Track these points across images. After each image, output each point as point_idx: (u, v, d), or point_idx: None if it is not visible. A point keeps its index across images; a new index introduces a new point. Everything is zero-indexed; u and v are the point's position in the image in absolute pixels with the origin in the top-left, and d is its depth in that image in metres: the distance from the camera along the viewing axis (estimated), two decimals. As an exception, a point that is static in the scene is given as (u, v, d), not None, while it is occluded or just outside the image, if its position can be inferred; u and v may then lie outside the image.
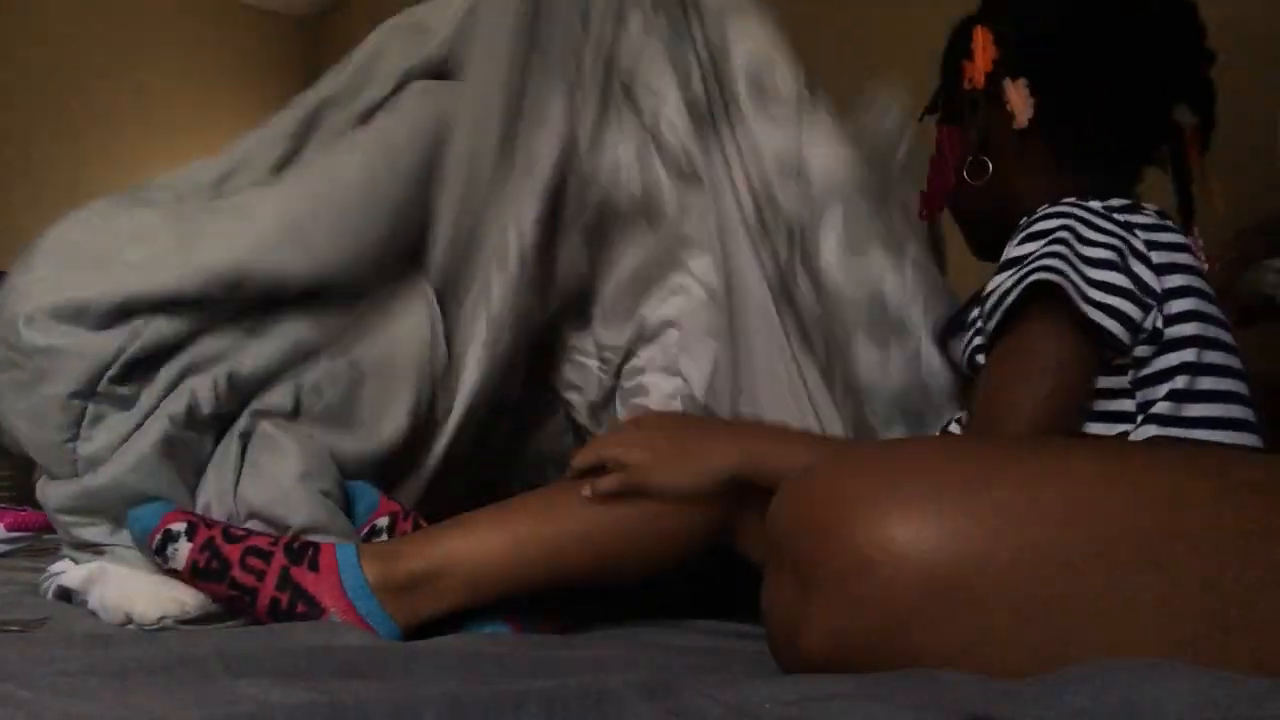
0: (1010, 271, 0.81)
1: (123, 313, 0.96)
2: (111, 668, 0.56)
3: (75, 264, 0.98)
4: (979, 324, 0.87)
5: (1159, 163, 0.97)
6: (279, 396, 1.01)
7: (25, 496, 1.85)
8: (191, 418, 0.96)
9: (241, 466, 0.98)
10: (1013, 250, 0.84)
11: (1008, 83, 0.94)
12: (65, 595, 0.98)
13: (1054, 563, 0.53)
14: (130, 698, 0.46)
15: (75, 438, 0.94)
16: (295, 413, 1.02)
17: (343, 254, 1.01)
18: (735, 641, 0.85)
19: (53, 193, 3.59)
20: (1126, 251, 0.82)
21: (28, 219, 3.39)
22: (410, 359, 1.05)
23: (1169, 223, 0.87)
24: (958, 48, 1.01)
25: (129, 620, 0.85)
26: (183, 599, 0.86)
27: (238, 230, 0.99)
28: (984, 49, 0.96)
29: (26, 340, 0.94)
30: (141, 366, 0.97)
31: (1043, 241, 0.81)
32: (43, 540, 1.43)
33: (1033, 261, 0.79)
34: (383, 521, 0.97)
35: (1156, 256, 0.82)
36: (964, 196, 1.01)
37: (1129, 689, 0.42)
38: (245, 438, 0.99)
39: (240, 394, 1.00)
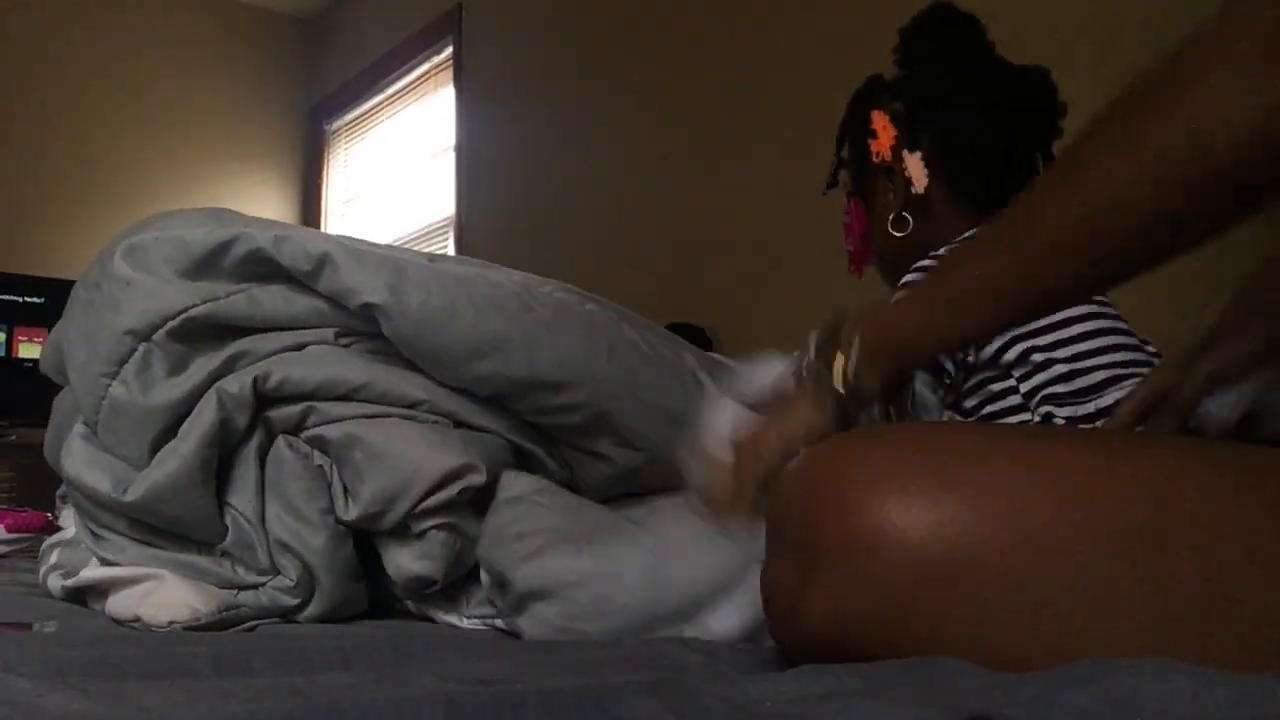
0: None
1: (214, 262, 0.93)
2: (110, 667, 0.56)
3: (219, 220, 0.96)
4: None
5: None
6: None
7: (25, 498, 1.85)
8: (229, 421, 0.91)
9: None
10: None
11: (906, 155, 1.16)
12: (74, 595, 0.98)
13: (1051, 549, 0.54)
14: (128, 697, 0.46)
15: (114, 375, 0.92)
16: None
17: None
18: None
19: (55, 194, 3.59)
20: None
21: (30, 222, 3.41)
22: None
23: None
24: (858, 128, 1.22)
25: (136, 619, 0.85)
26: (195, 605, 0.86)
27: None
28: (884, 129, 1.17)
29: (115, 269, 0.94)
30: (205, 332, 0.94)
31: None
32: (44, 542, 1.43)
33: None
34: None
35: None
36: (889, 249, 1.19)
37: (1131, 689, 0.42)
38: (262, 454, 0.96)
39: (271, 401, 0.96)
